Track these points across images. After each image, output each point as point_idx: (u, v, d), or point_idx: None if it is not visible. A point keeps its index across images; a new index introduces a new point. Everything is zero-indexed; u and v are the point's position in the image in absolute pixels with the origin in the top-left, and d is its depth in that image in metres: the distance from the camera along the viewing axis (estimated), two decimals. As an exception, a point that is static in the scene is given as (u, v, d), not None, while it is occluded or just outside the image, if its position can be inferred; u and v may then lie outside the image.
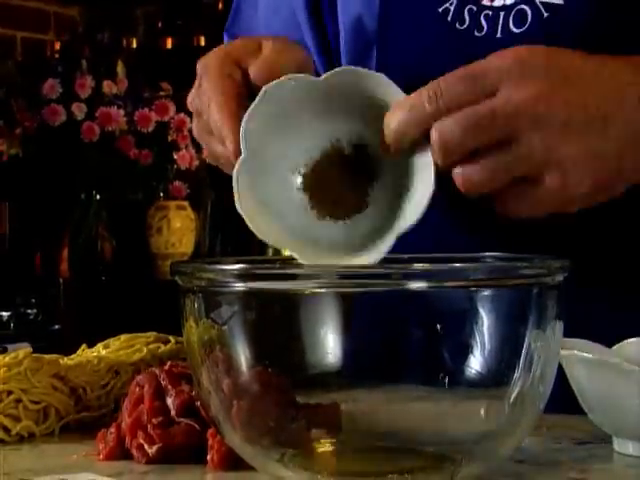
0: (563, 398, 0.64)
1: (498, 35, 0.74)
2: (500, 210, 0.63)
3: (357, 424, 0.58)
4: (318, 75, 0.65)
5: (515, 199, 0.62)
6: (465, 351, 0.55)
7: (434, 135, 0.60)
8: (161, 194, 2.56)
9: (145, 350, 0.79)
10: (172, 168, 2.53)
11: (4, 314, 2.21)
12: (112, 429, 0.66)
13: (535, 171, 0.61)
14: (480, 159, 0.60)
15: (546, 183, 0.61)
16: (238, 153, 0.65)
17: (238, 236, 2.71)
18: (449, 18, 0.76)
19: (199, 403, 0.64)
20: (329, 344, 0.55)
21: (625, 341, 0.68)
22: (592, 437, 0.68)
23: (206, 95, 0.70)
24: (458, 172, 0.61)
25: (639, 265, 0.75)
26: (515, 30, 0.73)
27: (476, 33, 0.75)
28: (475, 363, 0.55)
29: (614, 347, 0.68)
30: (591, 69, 0.62)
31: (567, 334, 0.59)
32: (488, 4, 0.74)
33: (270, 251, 2.73)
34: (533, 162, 0.60)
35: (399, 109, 0.61)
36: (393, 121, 0.61)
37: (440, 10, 0.76)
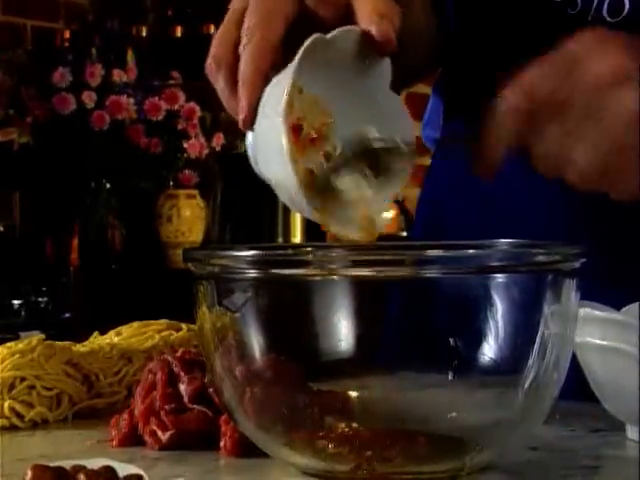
0: (576, 385, 0.64)
1: (589, 18, 0.74)
2: (614, 194, 0.61)
3: (370, 411, 0.58)
4: None
5: (622, 176, 0.60)
6: (479, 338, 0.54)
7: (537, 148, 0.59)
8: (171, 183, 2.56)
9: (157, 337, 0.79)
10: (182, 157, 2.52)
11: (15, 302, 2.21)
12: (125, 415, 0.67)
13: (634, 136, 0.59)
14: (580, 145, 0.59)
15: None
16: (247, 123, 0.59)
17: (248, 225, 2.71)
18: None
19: (212, 390, 0.64)
20: (342, 331, 0.55)
21: (634, 303, 0.68)
22: (605, 425, 0.68)
23: (251, 19, 0.60)
24: (568, 174, 0.60)
25: None
26: (609, 19, 0.73)
27: (569, 10, 0.75)
28: (489, 350, 0.55)
29: (623, 309, 0.68)
30: None
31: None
32: None
33: (280, 240, 2.73)
34: (630, 128, 0.58)
35: (490, 123, 0.59)
36: (489, 144, 0.60)
37: None
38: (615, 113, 0.59)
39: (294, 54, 0.58)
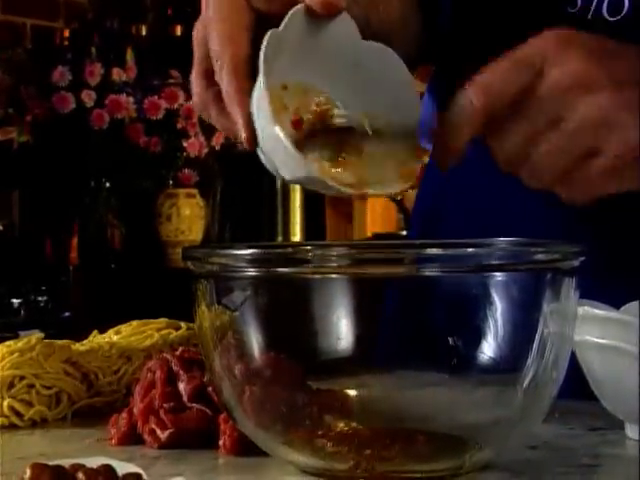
0: (575, 384, 0.64)
1: (589, 17, 0.74)
2: (566, 196, 0.62)
3: (369, 410, 0.58)
4: None
5: (575, 181, 0.61)
6: (478, 337, 0.54)
7: (495, 146, 0.60)
8: (170, 182, 2.56)
9: (156, 336, 0.79)
10: (181, 156, 2.52)
11: (15, 301, 2.21)
12: (124, 414, 0.67)
13: (590, 142, 0.59)
14: (536, 149, 0.60)
15: (604, 153, 0.59)
16: (251, 141, 0.60)
17: (247, 224, 2.71)
18: None
19: (211, 388, 0.64)
20: (341, 329, 0.55)
21: (633, 302, 0.68)
22: (604, 423, 0.68)
23: (215, 44, 0.61)
24: (523, 172, 0.60)
25: None
26: (608, 18, 0.73)
27: (569, 9, 0.75)
28: (488, 349, 0.55)
29: (622, 308, 0.68)
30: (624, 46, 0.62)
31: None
32: None
33: (279, 239, 2.73)
34: (586, 134, 0.59)
35: (449, 117, 0.60)
36: (447, 132, 0.60)
37: None
38: (574, 119, 0.59)
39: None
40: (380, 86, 0.63)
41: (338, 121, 0.61)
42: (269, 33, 0.59)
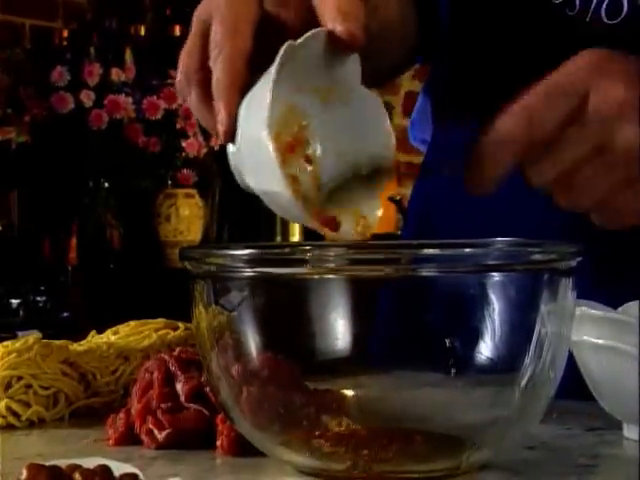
0: (573, 384, 0.64)
1: (587, 19, 0.74)
2: (603, 222, 0.61)
3: (366, 410, 0.58)
4: None
5: (613, 208, 0.60)
6: (475, 337, 0.54)
7: (533, 172, 0.59)
8: (169, 182, 2.56)
9: (154, 336, 0.79)
10: (180, 156, 2.52)
11: (13, 301, 2.21)
12: (121, 414, 0.67)
13: (634, 170, 0.58)
14: (577, 174, 0.59)
15: None
16: (227, 136, 0.58)
17: (246, 224, 2.70)
18: None
19: (208, 389, 0.64)
20: (339, 330, 0.55)
21: (630, 302, 0.68)
22: (602, 423, 0.68)
23: (218, 31, 0.59)
24: (560, 196, 0.60)
25: None
26: (607, 21, 0.73)
27: (567, 11, 0.75)
28: (485, 349, 0.55)
29: (619, 308, 0.68)
30: None
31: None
32: None
33: (278, 239, 2.73)
34: (630, 161, 0.58)
35: (487, 145, 0.58)
36: (484, 161, 0.59)
37: None
38: (617, 148, 0.58)
39: (262, 59, 0.58)
40: (360, 136, 0.62)
41: (310, 153, 0.61)
42: (287, 43, 0.57)
